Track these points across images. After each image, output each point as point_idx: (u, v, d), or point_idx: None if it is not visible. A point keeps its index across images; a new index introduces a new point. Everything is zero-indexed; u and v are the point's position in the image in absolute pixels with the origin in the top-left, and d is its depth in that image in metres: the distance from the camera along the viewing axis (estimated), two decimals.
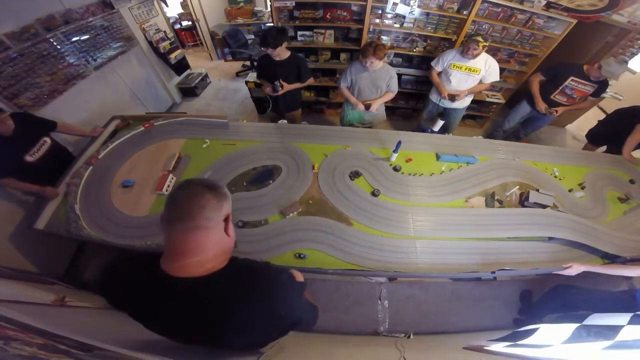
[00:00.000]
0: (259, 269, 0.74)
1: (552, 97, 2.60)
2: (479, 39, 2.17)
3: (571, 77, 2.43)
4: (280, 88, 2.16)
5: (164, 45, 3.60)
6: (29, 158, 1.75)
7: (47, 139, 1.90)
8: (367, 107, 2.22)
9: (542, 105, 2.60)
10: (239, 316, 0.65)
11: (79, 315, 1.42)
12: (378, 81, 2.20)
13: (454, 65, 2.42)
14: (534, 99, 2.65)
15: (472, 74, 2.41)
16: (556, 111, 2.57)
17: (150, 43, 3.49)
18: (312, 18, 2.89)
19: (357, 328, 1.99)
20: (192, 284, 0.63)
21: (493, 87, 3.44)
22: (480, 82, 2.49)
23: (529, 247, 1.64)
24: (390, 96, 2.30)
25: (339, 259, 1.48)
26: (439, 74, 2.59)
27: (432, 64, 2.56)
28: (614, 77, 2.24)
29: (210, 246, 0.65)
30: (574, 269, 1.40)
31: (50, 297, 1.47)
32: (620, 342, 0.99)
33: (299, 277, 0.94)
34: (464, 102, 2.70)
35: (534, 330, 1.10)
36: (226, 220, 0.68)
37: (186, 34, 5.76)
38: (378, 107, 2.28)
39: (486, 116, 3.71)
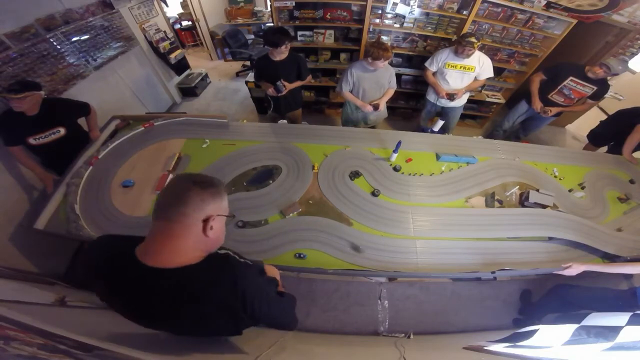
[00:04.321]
0: (227, 266, 0.74)
1: (549, 96, 2.61)
2: (473, 39, 2.17)
3: (570, 77, 2.43)
4: (283, 88, 2.16)
5: (164, 45, 3.60)
6: (31, 141, 1.85)
7: (62, 130, 1.95)
8: (375, 107, 2.22)
9: (537, 105, 2.61)
10: (197, 312, 0.68)
11: (79, 315, 1.41)
12: (381, 80, 2.21)
13: (448, 65, 2.43)
14: (531, 98, 2.65)
15: (467, 72, 2.43)
16: (550, 110, 2.58)
17: (150, 43, 3.49)
18: (312, 18, 2.89)
19: (357, 328, 1.98)
20: (158, 274, 0.65)
21: (493, 87, 3.45)
22: (475, 79, 2.50)
23: (529, 247, 1.64)
24: (391, 93, 2.33)
25: (339, 259, 1.48)
26: (434, 73, 2.60)
27: (426, 64, 2.56)
28: (616, 72, 2.25)
29: (182, 241, 0.66)
30: (574, 269, 1.40)
31: (50, 297, 1.47)
32: (621, 343, 0.99)
33: (272, 272, 1.04)
34: (461, 101, 2.71)
35: (534, 331, 1.10)
36: (206, 221, 0.67)
37: (186, 34, 5.76)
38: (384, 104, 2.30)
39: (486, 116, 3.71)
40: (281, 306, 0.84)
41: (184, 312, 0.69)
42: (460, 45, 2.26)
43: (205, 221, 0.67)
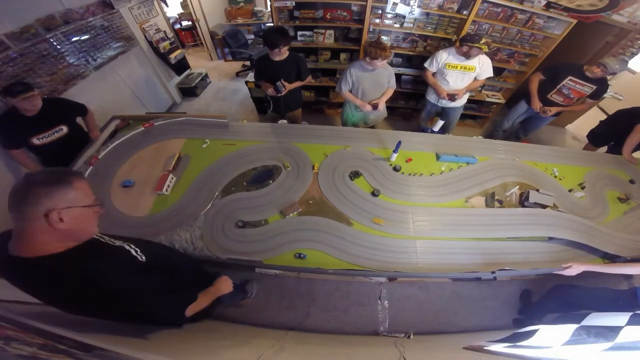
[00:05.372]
0: (89, 257, 0.80)
1: (549, 96, 2.61)
2: (487, 41, 2.17)
3: (569, 77, 2.43)
4: (283, 88, 2.16)
5: (164, 45, 3.60)
6: (35, 141, 1.86)
7: (64, 128, 1.98)
8: (375, 106, 2.22)
9: (537, 104, 2.61)
10: (66, 297, 0.78)
11: None
12: (380, 79, 2.21)
13: (449, 65, 2.42)
14: (530, 98, 2.66)
15: (467, 72, 2.42)
16: (549, 110, 2.58)
17: (150, 43, 3.49)
18: (312, 18, 2.89)
19: (357, 328, 1.98)
20: (24, 262, 0.73)
21: (493, 87, 3.45)
22: (475, 79, 2.50)
23: (529, 247, 1.64)
24: (391, 92, 2.32)
25: (339, 259, 1.48)
26: (434, 74, 2.59)
27: (426, 65, 2.55)
28: (614, 71, 2.23)
29: (32, 235, 0.72)
30: (574, 269, 1.40)
31: None
32: (621, 343, 0.99)
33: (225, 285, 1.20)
34: (461, 101, 2.71)
35: (534, 331, 1.10)
36: (47, 215, 0.70)
37: (186, 34, 5.75)
38: (383, 104, 2.29)
39: (486, 116, 3.71)
40: (151, 300, 0.91)
41: (55, 296, 0.78)
42: (474, 48, 2.21)
43: (47, 215, 0.70)
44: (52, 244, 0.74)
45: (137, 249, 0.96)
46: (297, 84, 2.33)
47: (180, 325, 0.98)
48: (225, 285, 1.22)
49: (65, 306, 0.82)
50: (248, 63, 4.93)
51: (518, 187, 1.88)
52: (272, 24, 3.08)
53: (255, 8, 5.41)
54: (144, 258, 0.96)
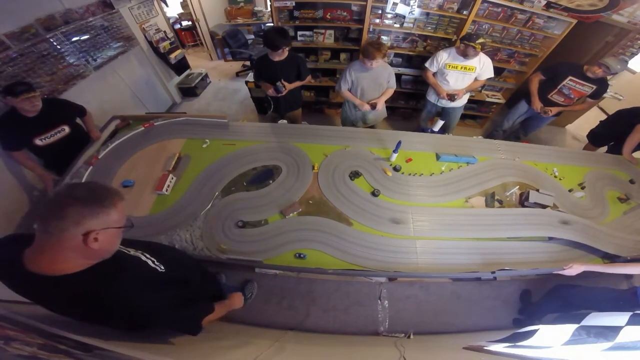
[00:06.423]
0: (108, 276, 0.76)
1: (549, 96, 2.61)
2: (484, 40, 2.17)
3: (570, 77, 2.43)
4: (283, 89, 2.17)
5: (164, 45, 3.60)
6: (38, 142, 1.86)
7: (66, 128, 1.98)
8: (373, 106, 2.22)
9: (537, 105, 2.61)
10: (86, 314, 0.78)
11: None
12: (379, 79, 2.21)
13: (449, 65, 2.42)
14: (531, 98, 2.65)
15: (468, 72, 2.42)
16: (550, 110, 2.58)
17: (150, 43, 3.49)
18: (312, 18, 2.89)
19: (357, 328, 1.98)
20: (40, 280, 0.68)
21: (493, 87, 3.45)
22: (476, 79, 2.50)
23: (529, 247, 1.64)
24: (390, 92, 2.31)
25: (339, 259, 1.48)
26: (434, 74, 2.59)
27: (427, 65, 2.55)
28: (615, 72, 2.22)
29: (59, 252, 0.68)
30: (575, 269, 1.40)
31: None
32: (621, 343, 0.99)
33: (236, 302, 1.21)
34: (461, 101, 2.71)
35: (534, 331, 1.10)
36: (86, 234, 0.67)
37: (186, 34, 5.76)
38: (382, 104, 2.29)
39: (486, 116, 3.71)
40: (172, 315, 0.90)
41: (75, 313, 0.79)
42: (466, 47, 2.22)
43: (86, 235, 0.67)
44: (76, 261, 0.71)
45: (153, 259, 0.93)
46: (297, 84, 2.33)
47: (196, 334, 0.96)
48: (239, 300, 1.24)
49: (84, 320, 0.82)
50: (248, 63, 4.93)
51: (518, 187, 1.88)
52: (272, 24, 3.08)
53: (255, 8, 5.40)
54: (162, 268, 0.93)
